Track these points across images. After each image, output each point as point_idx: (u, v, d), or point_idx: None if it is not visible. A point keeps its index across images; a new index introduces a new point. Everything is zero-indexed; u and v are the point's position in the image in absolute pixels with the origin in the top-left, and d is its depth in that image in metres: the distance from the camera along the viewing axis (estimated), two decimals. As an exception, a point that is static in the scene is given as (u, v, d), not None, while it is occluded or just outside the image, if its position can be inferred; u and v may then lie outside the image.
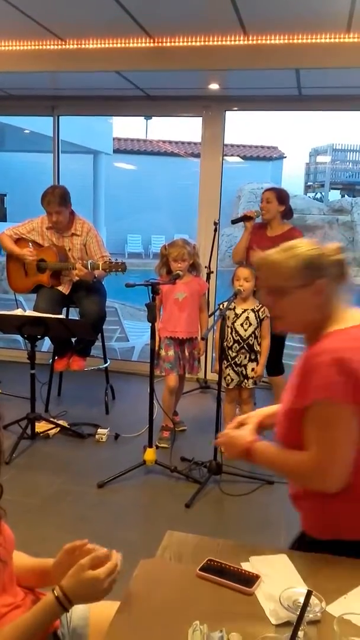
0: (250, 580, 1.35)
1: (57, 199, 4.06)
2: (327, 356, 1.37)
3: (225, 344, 3.59)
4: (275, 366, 3.99)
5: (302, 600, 1.13)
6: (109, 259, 4.11)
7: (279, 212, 4.02)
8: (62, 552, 1.31)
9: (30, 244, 4.24)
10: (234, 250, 4.20)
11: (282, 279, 1.47)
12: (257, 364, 3.66)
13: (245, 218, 4.04)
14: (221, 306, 3.71)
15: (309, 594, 1.12)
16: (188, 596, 1.31)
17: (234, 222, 4.19)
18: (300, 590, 1.20)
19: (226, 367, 3.65)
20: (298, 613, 1.11)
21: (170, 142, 18.50)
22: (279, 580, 1.35)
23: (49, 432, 3.91)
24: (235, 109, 5.13)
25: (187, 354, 3.86)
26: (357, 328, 1.47)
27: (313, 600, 1.14)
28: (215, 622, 1.19)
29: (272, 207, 3.99)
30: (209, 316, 4.15)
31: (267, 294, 1.54)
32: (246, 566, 1.41)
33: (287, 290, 1.47)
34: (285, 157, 19.23)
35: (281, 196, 4.02)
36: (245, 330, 3.61)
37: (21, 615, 1.23)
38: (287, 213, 4.09)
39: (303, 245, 1.49)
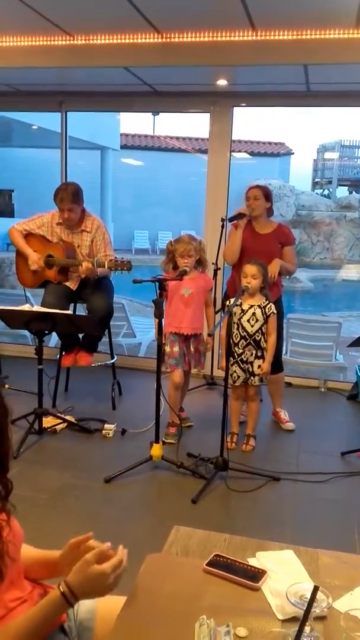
0: (256, 575, 1.35)
1: (70, 196, 4.07)
2: None
3: (231, 340, 3.59)
4: (274, 363, 3.99)
5: (308, 595, 1.13)
6: (115, 258, 4.11)
7: (265, 209, 4.03)
8: (67, 547, 1.32)
9: (42, 241, 4.24)
10: (226, 250, 4.14)
11: None
12: (264, 360, 3.66)
13: (240, 215, 4.02)
14: (228, 303, 3.71)
15: (315, 590, 1.12)
16: (195, 591, 1.31)
17: (230, 220, 4.16)
18: (307, 585, 1.20)
19: (232, 364, 3.66)
20: (304, 608, 1.11)
21: (177, 138, 18.47)
22: (285, 576, 1.35)
23: (56, 427, 3.93)
24: (243, 104, 5.11)
25: (192, 349, 3.86)
26: None
27: (320, 596, 1.15)
28: (222, 616, 1.20)
29: (260, 204, 3.99)
30: (216, 313, 4.16)
31: None
32: (252, 562, 1.42)
33: None
34: (293, 153, 19.15)
35: (267, 193, 4.04)
36: (252, 326, 3.61)
37: (28, 609, 1.24)
38: (271, 210, 4.10)
39: None
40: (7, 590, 1.24)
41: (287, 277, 4.30)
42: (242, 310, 3.63)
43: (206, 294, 3.92)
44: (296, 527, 2.93)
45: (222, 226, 4.85)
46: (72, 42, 4.17)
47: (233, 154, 5.29)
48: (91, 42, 4.13)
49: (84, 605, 1.43)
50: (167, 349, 3.81)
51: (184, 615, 1.22)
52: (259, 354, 3.66)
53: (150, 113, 16.36)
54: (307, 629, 1.12)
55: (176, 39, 4.00)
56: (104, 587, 1.21)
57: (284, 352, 4.93)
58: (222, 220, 4.85)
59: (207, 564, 1.38)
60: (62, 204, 4.09)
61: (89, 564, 1.19)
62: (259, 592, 1.31)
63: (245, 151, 17.66)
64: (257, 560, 1.43)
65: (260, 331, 3.62)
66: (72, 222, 4.18)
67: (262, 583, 1.33)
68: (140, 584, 1.33)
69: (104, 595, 1.23)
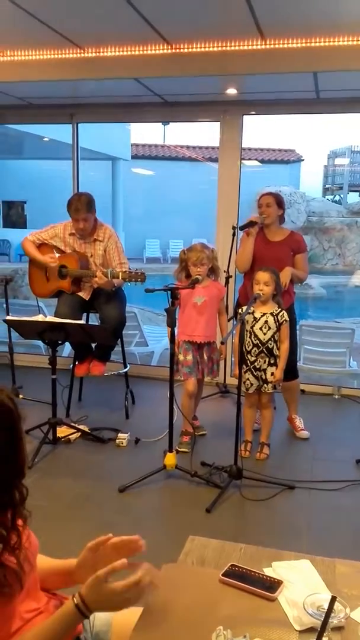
0: (273, 586, 1.34)
1: (85, 206, 4.10)
2: None
3: (244, 348, 3.58)
4: (289, 371, 3.98)
5: (326, 606, 1.12)
6: (129, 269, 4.12)
7: (278, 216, 4.01)
8: (85, 550, 1.31)
9: (54, 250, 4.27)
10: (238, 258, 4.13)
11: None
12: (277, 368, 3.65)
13: (251, 224, 4.00)
14: (240, 310, 3.71)
15: (333, 600, 1.11)
16: (211, 601, 1.30)
17: (241, 228, 4.15)
18: (324, 596, 1.19)
19: (245, 372, 3.64)
20: (322, 619, 1.10)
21: (188, 147, 18.56)
22: (302, 586, 1.34)
23: (70, 436, 3.94)
24: (253, 113, 5.12)
25: (205, 357, 3.86)
26: None
27: (337, 606, 1.14)
28: (239, 627, 1.19)
29: (272, 211, 3.97)
30: (228, 320, 4.15)
31: None
32: (268, 572, 1.41)
33: None
34: (303, 159, 19.16)
35: (279, 200, 4.02)
36: (265, 334, 3.60)
37: (39, 621, 1.24)
38: (282, 217, 4.08)
39: None
40: (23, 601, 1.24)
41: (299, 284, 4.28)
42: (255, 318, 3.62)
43: (219, 302, 3.92)
44: (312, 536, 2.90)
45: (233, 234, 4.85)
46: (82, 54, 4.21)
47: (243, 161, 5.30)
48: (101, 54, 4.18)
49: (100, 617, 1.43)
50: (181, 357, 3.81)
51: (201, 626, 1.21)
52: (272, 361, 3.65)
53: (161, 123, 16.45)
54: (324, 639, 1.11)
55: (185, 49, 4.03)
56: (117, 603, 1.19)
57: (297, 359, 4.90)
58: (233, 228, 4.85)
59: (223, 574, 1.38)
60: (77, 215, 4.11)
61: (100, 581, 1.17)
62: (276, 602, 1.30)
63: (256, 159, 17.69)
64: (273, 570, 1.42)
65: (272, 339, 3.61)
66: (86, 232, 4.20)
67: (278, 593, 1.32)
68: (156, 595, 1.32)
69: (119, 610, 1.22)
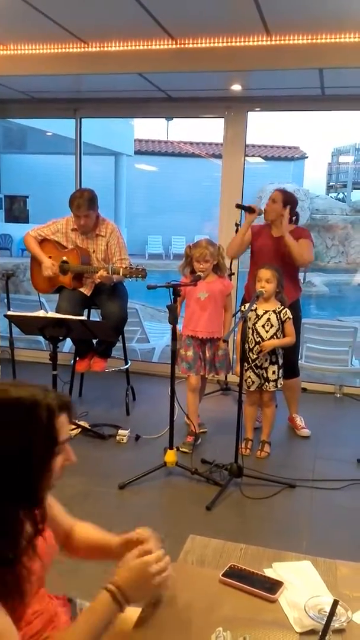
0: (273, 587, 1.33)
1: (87, 203, 4.08)
2: None
3: (246, 345, 3.57)
4: (289, 368, 3.95)
5: (327, 609, 1.11)
6: (129, 264, 4.10)
7: (281, 215, 3.88)
8: (122, 540, 1.36)
9: (58, 265, 4.25)
10: (230, 244, 4.04)
11: None
12: (278, 366, 3.63)
13: (249, 209, 3.91)
14: (242, 308, 3.69)
15: (335, 604, 1.10)
16: (211, 602, 1.29)
17: (238, 206, 4.09)
18: (326, 599, 1.18)
19: (247, 370, 3.63)
20: (323, 622, 1.09)
21: (191, 143, 18.51)
22: (303, 587, 1.33)
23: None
24: (258, 109, 5.10)
25: (208, 355, 3.84)
26: None
27: (339, 609, 1.13)
28: (239, 629, 1.18)
29: (275, 208, 3.88)
30: (232, 317, 4.13)
31: None
32: (269, 572, 1.40)
33: None
34: (307, 157, 19.10)
35: (287, 199, 3.91)
36: (267, 331, 3.59)
37: (45, 621, 1.25)
38: (293, 218, 3.95)
39: None
40: (29, 604, 1.23)
41: (301, 267, 4.14)
42: (257, 316, 3.61)
43: (224, 298, 3.88)
44: (312, 536, 2.89)
45: (236, 231, 4.82)
46: (86, 49, 4.19)
47: (247, 158, 5.27)
48: (105, 49, 4.15)
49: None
50: (182, 352, 3.79)
51: (200, 626, 1.20)
52: (274, 359, 3.63)
53: (164, 118, 16.42)
54: (325, 643, 1.10)
55: (190, 45, 4.00)
56: (149, 578, 1.19)
57: (298, 357, 4.89)
58: (236, 225, 4.82)
59: (223, 575, 1.36)
60: (78, 212, 4.10)
61: (132, 557, 1.22)
62: (276, 604, 1.29)
63: (259, 155, 17.64)
64: (274, 571, 1.41)
65: (275, 337, 3.59)
66: (87, 228, 4.19)
67: (279, 595, 1.31)
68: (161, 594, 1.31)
69: (151, 592, 1.23)
